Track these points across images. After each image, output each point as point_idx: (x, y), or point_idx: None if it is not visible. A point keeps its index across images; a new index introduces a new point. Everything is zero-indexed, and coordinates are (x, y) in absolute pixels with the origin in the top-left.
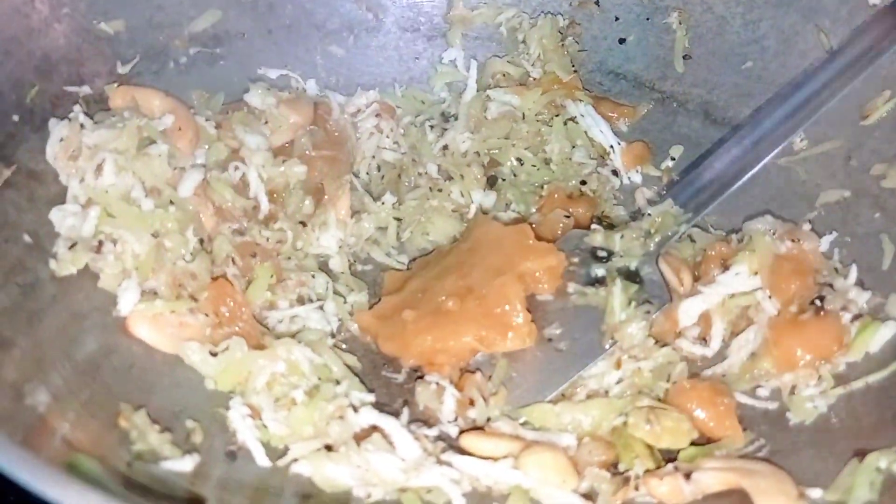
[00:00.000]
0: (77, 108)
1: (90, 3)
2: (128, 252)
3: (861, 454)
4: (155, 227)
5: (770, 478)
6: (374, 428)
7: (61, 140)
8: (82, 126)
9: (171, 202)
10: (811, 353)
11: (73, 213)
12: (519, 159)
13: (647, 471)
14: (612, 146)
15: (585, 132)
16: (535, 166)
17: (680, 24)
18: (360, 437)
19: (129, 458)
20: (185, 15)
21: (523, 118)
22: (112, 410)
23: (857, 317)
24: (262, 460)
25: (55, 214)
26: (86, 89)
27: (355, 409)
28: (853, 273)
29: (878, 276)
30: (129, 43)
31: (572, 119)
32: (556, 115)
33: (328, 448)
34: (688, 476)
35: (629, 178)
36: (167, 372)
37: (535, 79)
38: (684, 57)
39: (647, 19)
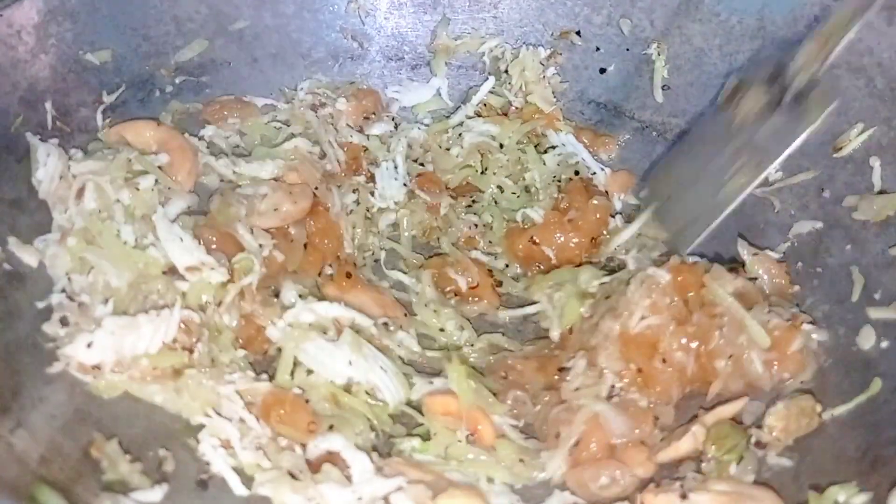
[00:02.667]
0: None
1: (77, 34)
2: (102, 283)
3: (819, 489)
4: (139, 266)
5: None
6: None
7: (61, 178)
8: (71, 158)
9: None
10: None
11: (54, 241)
12: (499, 187)
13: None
14: (594, 173)
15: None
16: (514, 193)
17: (659, 55)
18: (317, 465)
19: (98, 488)
20: (172, 45)
21: (500, 148)
22: (85, 440)
23: None
24: (239, 489)
25: (38, 243)
26: (70, 119)
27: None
28: None
29: (848, 308)
30: (114, 72)
31: (553, 147)
32: (536, 145)
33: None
34: (685, 496)
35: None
36: (141, 400)
37: (517, 108)
38: (663, 87)
39: (628, 50)
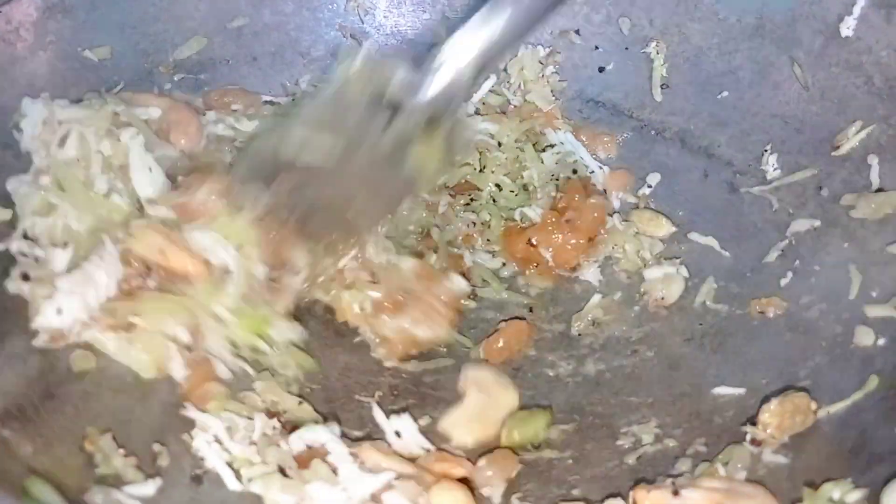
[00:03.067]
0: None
1: (75, 31)
2: (62, 226)
3: (814, 486)
4: (101, 213)
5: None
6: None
7: (46, 124)
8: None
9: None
10: None
11: (27, 182)
12: (498, 185)
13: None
14: (592, 171)
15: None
16: (513, 192)
17: (658, 53)
18: (305, 460)
19: (91, 482)
20: (171, 42)
21: (499, 146)
22: (79, 433)
23: None
24: (233, 484)
25: (12, 183)
26: None
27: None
28: None
29: (845, 306)
30: (113, 69)
31: (551, 146)
32: (534, 143)
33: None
34: (676, 493)
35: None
36: (137, 394)
37: (515, 107)
38: (662, 86)
39: (626, 49)
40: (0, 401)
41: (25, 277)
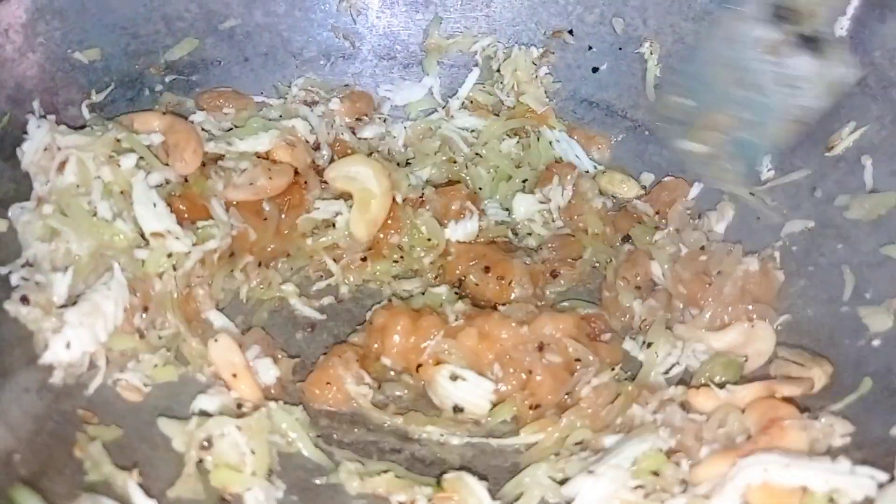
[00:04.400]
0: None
1: (65, 33)
2: (63, 250)
3: None
4: (104, 237)
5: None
6: None
7: (46, 149)
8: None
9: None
10: None
11: (30, 210)
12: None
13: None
14: (587, 171)
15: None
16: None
17: (652, 53)
18: None
19: (80, 489)
20: (162, 43)
21: (484, 146)
22: (70, 440)
23: None
24: None
25: (14, 211)
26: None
27: None
28: None
29: (839, 307)
30: (103, 71)
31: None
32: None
33: None
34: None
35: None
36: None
37: (509, 107)
38: (656, 86)
39: (620, 49)
40: (12, 436)
41: (25, 300)
